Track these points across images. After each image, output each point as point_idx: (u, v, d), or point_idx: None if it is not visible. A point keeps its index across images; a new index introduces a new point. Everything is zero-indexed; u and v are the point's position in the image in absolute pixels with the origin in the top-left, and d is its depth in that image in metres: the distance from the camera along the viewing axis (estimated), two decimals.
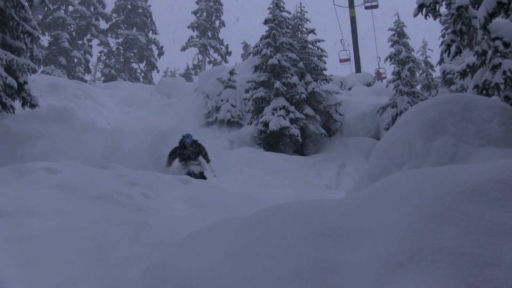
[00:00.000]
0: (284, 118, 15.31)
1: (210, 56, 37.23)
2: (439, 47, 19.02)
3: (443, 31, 19.50)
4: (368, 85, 22.91)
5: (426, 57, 21.35)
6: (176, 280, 2.95)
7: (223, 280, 2.75)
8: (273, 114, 15.51)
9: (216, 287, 2.71)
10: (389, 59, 17.17)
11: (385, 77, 24.06)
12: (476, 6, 7.03)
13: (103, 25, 34.39)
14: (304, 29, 18.27)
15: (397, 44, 16.91)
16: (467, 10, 7.00)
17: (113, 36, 35.44)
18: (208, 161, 10.98)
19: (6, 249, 4.69)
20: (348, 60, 26.67)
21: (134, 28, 34.93)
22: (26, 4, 12.80)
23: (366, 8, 26.55)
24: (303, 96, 16.14)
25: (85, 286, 4.06)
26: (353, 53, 26.93)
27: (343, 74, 24.84)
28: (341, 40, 27.13)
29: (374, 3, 26.15)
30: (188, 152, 10.72)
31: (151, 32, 35.88)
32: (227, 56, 37.27)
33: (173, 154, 10.73)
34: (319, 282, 2.56)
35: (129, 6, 35.02)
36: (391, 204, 3.27)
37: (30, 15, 12.96)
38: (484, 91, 7.61)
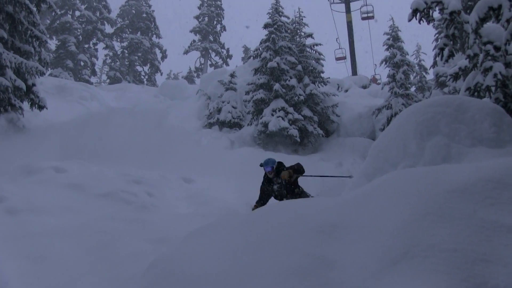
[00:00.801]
0: (283, 119, 15.29)
1: (212, 59, 37.20)
2: (433, 50, 18.97)
3: (436, 35, 19.47)
4: (364, 87, 22.92)
5: (420, 61, 21.34)
6: (178, 276, 2.95)
7: (223, 276, 2.75)
8: (272, 115, 15.50)
9: (216, 283, 2.71)
10: (384, 62, 17.16)
11: (380, 83, 24.06)
12: (468, 11, 7.05)
13: (108, 29, 34.40)
14: (303, 33, 18.26)
15: (392, 48, 16.90)
16: (459, 15, 7.01)
17: (118, 40, 35.41)
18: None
19: (14, 246, 4.69)
20: (344, 58, 26.62)
21: (139, 32, 34.92)
22: (35, 9, 12.81)
23: (363, 19, 26.55)
24: (301, 98, 16.14)
25: (89, 282, 4.06)
26: (349, 56, 26.93)
27: (338, 73, 24.91)
28: (336, 39, 27.12)
29: (370, 15, 26.17)
30: (278, 189, 6.90)
31: (154, 36, 35.88)
32: (228, 59, 37.26)
33: (262, 196, 7.04)
34: (317, 278, 2.56)
35: (133, 11, 35.01)
36: (386, 202, 3.27)
37: (38, 20, 12.98)
38: (476, 93, 7.61)
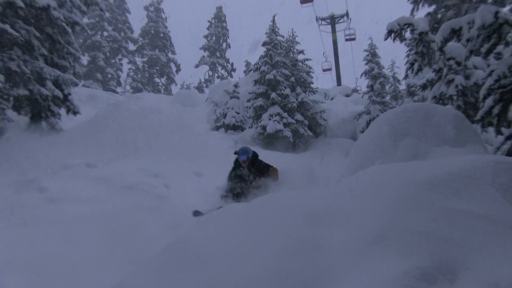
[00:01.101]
0: (278, 122, 15.28)
1: (218, 72, 37.12)
2: (405, 65, 18.85)
3: (408, 52, 19.39)
4: (347, 96, 22.90)
5: (394, 73, 21.27)
6: (190, 255, 2.95)
7: (228, 256, 2.75)
8: (269, 119, 15.49)
9: (222, 262, 2.71)
10: (364, 75, 17.14)
11: (360, 93, 24.03)
12: (434, 32, 7.04)
13: (131, 47, 34.35)
14: (295, 50, 18.20)
15: (370, 63, 16.88)
16: (427, 35, 7.02)
17: (140, 56, 35.32)
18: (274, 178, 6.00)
19: (54, 229, 4.71)
20: (330, 69, 26.61)
21: (157, 50, 34.85)
22: (70, 30, 12.81)
23: (346, 40, 26.50)
24: (294, 105, 16.12)
25: (114, 260, 4.06)
26: (334, 69, 26.88)
27: (325, 84, 24.96)
28: (323, 53, 27.24)
29: (353, 37, 26.10)
30: (246, 178, 6.03)
31: (170, 52, 35.79)
32: (232, 72, 37.20)
33: (230, 182, 6.12)
34: (307, 257, 2.56)
35: (152, 32, 34.91)
36: (366, 193, 3.27)
37: (72, 39, 12.97)
38: (440, 101, 7.63)
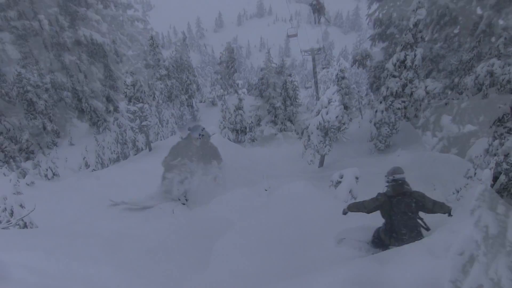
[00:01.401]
0: (273, 128, 15.34)
1: (228, 90, 37.09)
2: (366, 85, 18.93)
3: (368, 75, 19.39)
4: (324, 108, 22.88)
5: (358, 91, 21.20)
6: (207, 228, 2.97)
7: (238, 226, 2.78)
8: (266, 125, 15.53)
9: (229, 233, 2.73)
10: (336, 92, 17.11)
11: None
12: (387, 61, 7.06)
13: (163, 71, 34.32)
14: (285, 73, 18.20)
15: (340, 84, 16.85)
16: (382, 63, 7.04)
17: (169, 78, 35.33)
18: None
19: (103, 205, 4.73)
20: (310, 87, 27.19)
21: (182, 73, 34.85)
22: (119, 60, 12.90)
23: (323, 68, 26.92)
24: (284, 114, 16.18)
25: (148, 228, 4.04)
26: (314, 87, 27.00)
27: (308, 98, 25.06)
28: (305, 75, 27.47)
29: (328, 65, 26.58)
30: (192, 153, 4.80)
31: (191, 75, 35.75)
32: (238, 90, 37.12)
33: (174, 152, 4.88)
34: (296, 226, 2.59)
35: (178, 60, 34.93)
36: (342, 180, 3.28)
37: (120, 67, 13.06)
38: (393, 112, 7.63)
